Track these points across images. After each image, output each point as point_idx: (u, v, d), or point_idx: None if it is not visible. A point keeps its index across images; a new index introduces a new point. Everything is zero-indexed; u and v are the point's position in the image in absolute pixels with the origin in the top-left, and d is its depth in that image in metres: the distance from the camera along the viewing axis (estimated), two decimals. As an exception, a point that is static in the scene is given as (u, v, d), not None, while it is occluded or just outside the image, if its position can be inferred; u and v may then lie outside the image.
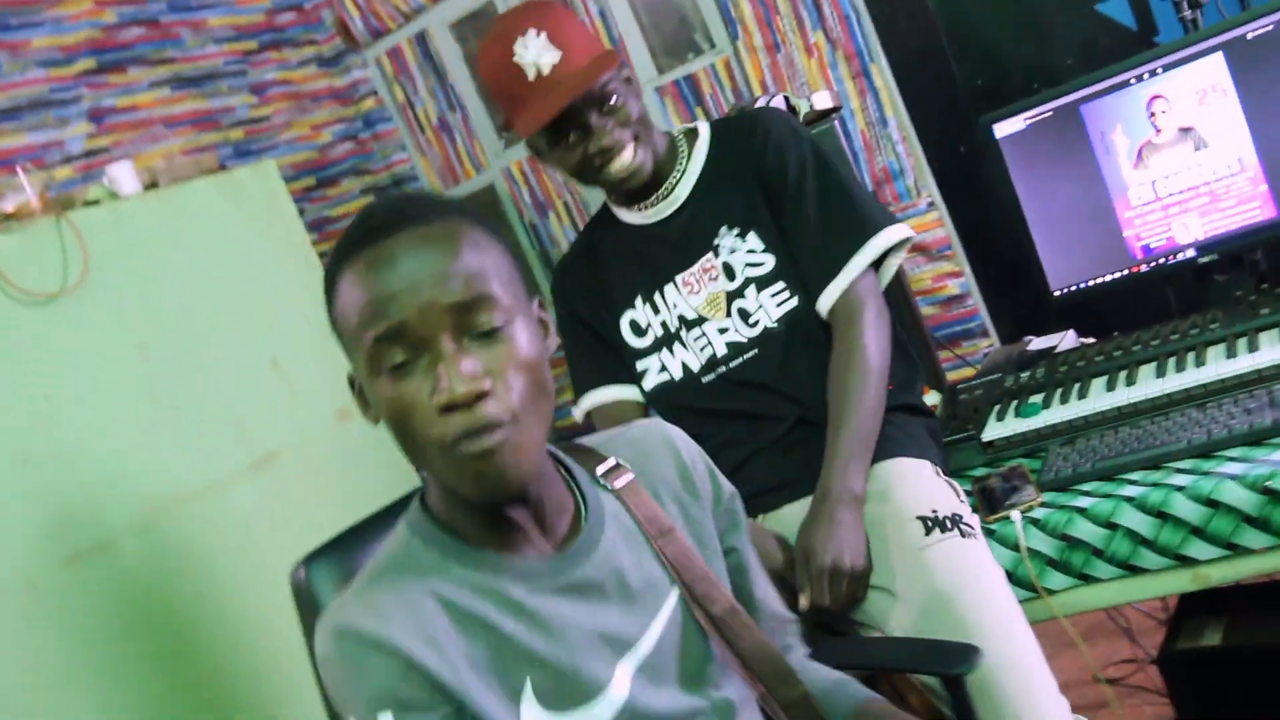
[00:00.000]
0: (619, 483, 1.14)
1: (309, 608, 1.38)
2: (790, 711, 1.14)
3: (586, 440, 1.20)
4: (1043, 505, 1.60)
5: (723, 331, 1.78)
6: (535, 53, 1.64)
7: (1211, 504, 1.46)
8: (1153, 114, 1.89)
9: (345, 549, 1.42)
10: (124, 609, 2.45)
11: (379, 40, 3.66)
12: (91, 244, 2.53)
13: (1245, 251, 1.93)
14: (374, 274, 0.96)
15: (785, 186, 1.75)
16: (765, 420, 1.76)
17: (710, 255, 1.79)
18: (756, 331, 1.76)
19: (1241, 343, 1.71)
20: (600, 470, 1.15)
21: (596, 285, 1.88)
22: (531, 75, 1.65)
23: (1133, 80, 1.89)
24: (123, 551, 2.46)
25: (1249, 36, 1.79)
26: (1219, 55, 1.82)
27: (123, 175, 2.73)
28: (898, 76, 3.00)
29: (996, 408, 1.88)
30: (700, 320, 1.80)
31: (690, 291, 1.80)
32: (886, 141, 3.05)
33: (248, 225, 2.89)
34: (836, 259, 1.72)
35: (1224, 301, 1.87)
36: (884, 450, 1.68)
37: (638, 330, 1.85)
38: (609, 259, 1.87)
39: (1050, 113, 1.94)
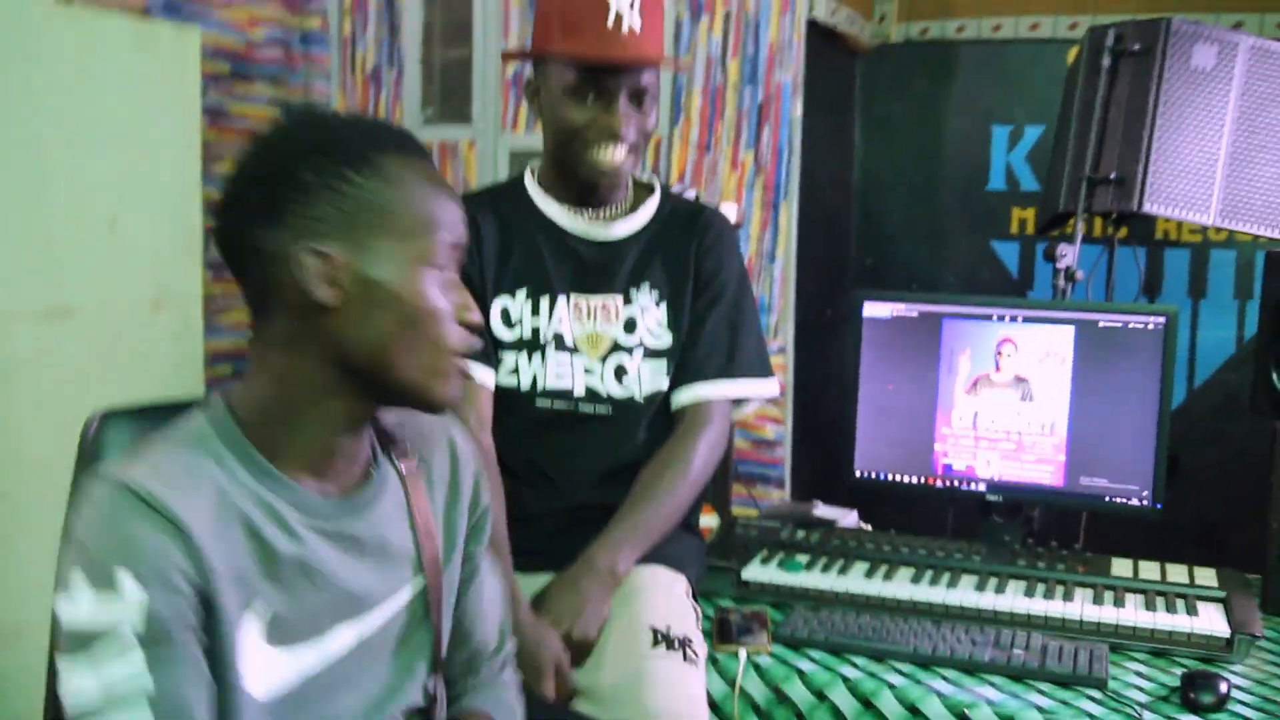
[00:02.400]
0: (404, 466, 1.18)
1: (92, 466, 1.26)
2: None
3: (386, 418, 1.22)
4: (770, 655, 1.68)
5: (589, 372, 1.76)
6: (624, 7, 1.64)
7: (913, 710, 1.55)
8: (999, 353, 2.03)
9: (152, 419, 1.22)
10: None
11: (350, -30, 3.62)
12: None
13: (1026, 505, 2.09)
14: (447, 191, 1.10)
15: (710, 286, 1.78)
16: (564, 490, 1.75)
17: (620, 299, 1.78)
18: (622, 394, 1.76)
19: (992, 581, 1.85)
20: (397, 451, 1.19)
21: (489, 251, 1.78)
22: (610, 20, 1.63)
23: (995, 317, 2.03)
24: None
25: (1100, 324, 1.96)
26: (1071, 329, 1.98)
27: (43, -22, 2.62)
28: (801, 223, 3.13)
29: (764, 551, 1.96)
30: (573, 350, 1.77)
31: (578, 317, 1.77)
32: (767, 275, 3.17)
33: (147, 81, 2.80)
34: (713, 369, 1.77)
35: (992, 540, 2.01)
36: (648, 556, 1.70)
37: (507, 320, 1.77)
38: (513, 237, 1.79)
39: (916, 313, 2.07)
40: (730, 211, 2.43)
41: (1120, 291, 2.80)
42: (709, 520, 2.13)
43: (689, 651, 1.59)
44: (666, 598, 1.67)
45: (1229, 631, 1.67)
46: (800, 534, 2.03)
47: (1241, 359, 2.99)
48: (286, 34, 3.62)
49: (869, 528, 2.21)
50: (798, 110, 3.09)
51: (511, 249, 1.78)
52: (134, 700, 0.93)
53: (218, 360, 3.36)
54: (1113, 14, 3.05)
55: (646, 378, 1.77)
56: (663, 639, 1.57)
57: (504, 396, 1.77)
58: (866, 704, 1.58)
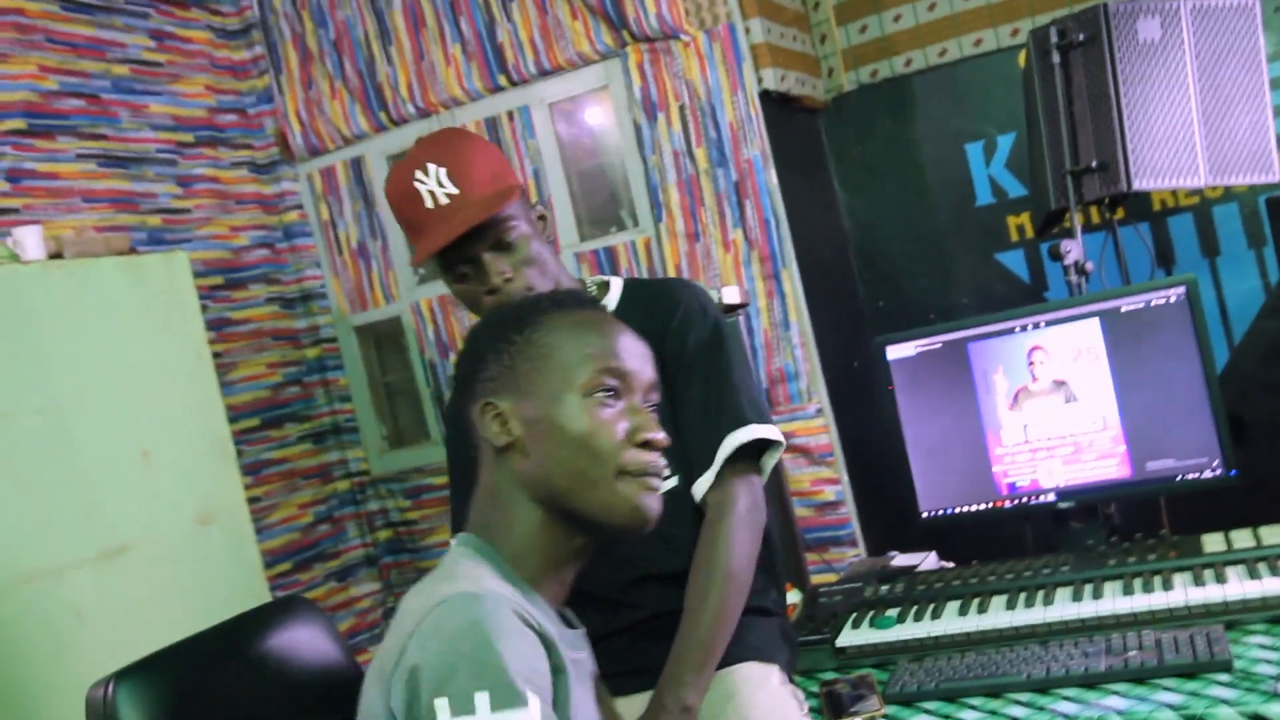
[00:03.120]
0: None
1: None
2: None
3: None
4: (885, 717, 1.64)
5: None
6: (433, 184, 1.65)
7: (1042, 739, 1.52)
8: (1032, 363, 2.03)
9: (164, 670, 1.24)
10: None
11: (314, 158, 3.72)
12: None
13: (1100, 503, 2.06)
14: (603, 326, 1.24)
15: (680, 362, 1.70)
16: (622, 606, 1.69)
17: None
18: None
19: (1088, 589, 1.80)
20: None
21: None
22: (429, 204, 1.65)
23: (1017, 329, 2.03)
24: (-60, 622, 2.34)
25: (1123, 309, 1.96)
26: (1096, 320, 1.97)
27: (29, 239, 2.71)
28: (806, 285, 3.15)
29: (854, 615, 1.93)
30: None
31: None
32: (786, 344, 3.18)
33: (147, 312, 2.87)
34: (710, 447, 1.67)
35: (1076, 547, 1.98)
36: (734, 654, 1.63)
37: None
38: None
39: (940, 344, 2.07)
40: (733, 294, 2.45)
41: (1135, 271, 2.80)
42: (792, 597, 2.11)
43: None
44: (764, 694, 1.62)
45: (1340, 581, 1.63)
46: (884, 588, 2.00)
47: (1274, 305, 2.97)
48: (268, 234, 3.73)
49: (951, 565, 2.17)
50: (773, 179, 3.14)
51: None
52: None
53: (276, 560, 3.38)
54: (1050, 11, 3.12)
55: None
56: None
57: None
58: (995, 744, 1.54)
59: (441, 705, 0.95)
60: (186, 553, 2.78)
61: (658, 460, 1.19)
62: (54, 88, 3.21)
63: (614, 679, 1.66)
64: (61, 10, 3.24)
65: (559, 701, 1.06)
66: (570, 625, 1.21)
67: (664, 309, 1.74)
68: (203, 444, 2.94)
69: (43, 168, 3.15)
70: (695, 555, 1.64)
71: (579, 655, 1.16)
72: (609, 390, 1.18)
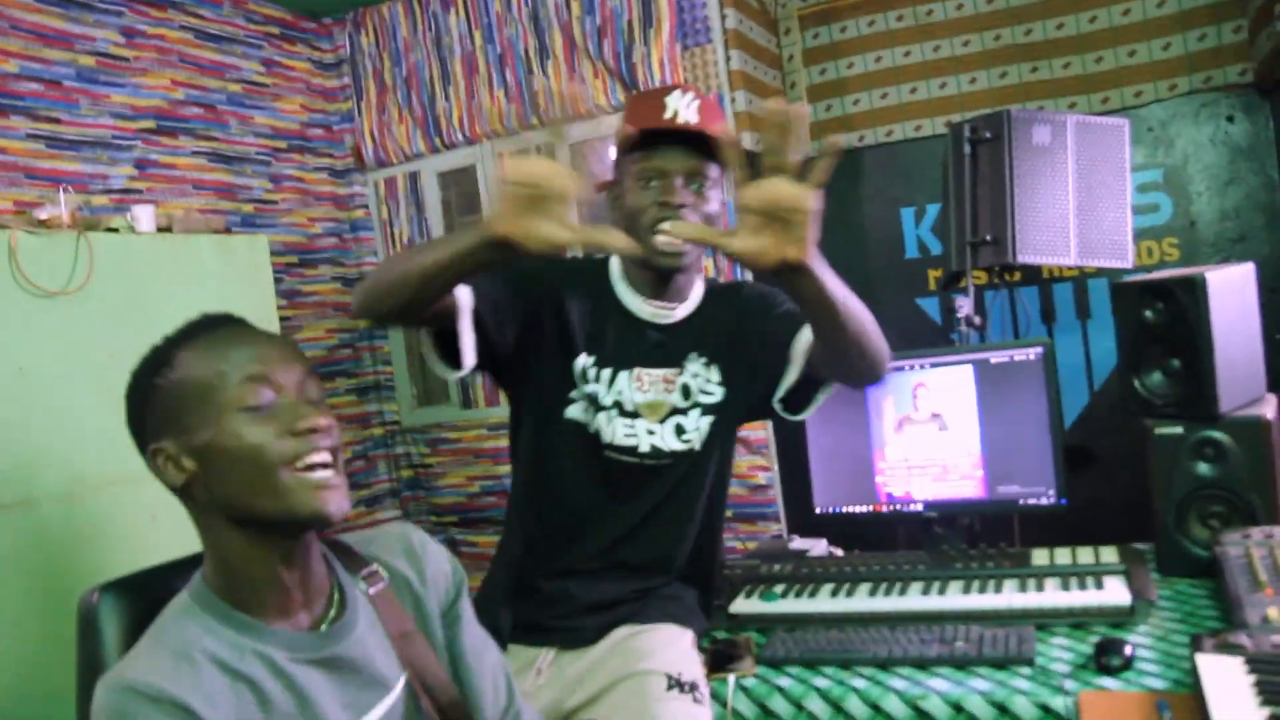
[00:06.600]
0: (374, 589, 1.11)
1: (91, 636, 1.11)
2: None
3: (346, 539, 1.16)
4: (755, 676, 1.61)
5: (651, 433, 1.62)
6: (683, 105, 1.48)
7: (875, 708, 1.48)
8: (915, 396, 1.98)
9: (143, 587, 1.16)
10: (29, 561, 2.30)
11: (381, 169, 3.68)
12: (99, 261, 2.48)
13: (959, 516, 2.01)
14: (234, 341, 1.00)
15: (786, 317, 1.59)
16: (591, 544, 1.63)
17: (676, 371, 1.62)
18: (682, 447, 1.63)
19: (936, 585, 1.77)
20: (363, 572, 1.11)
21: (576, 311, 1.62)
22: (669, 114, 1.47)
23: (906, 367, 1.98)
24: (41, 511, 2.33)
25: (991, 360, 1.91)
26: (970, 367, 1.93)
27: (144, 215, 2.69)
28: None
29: (748, 586, 1.90)
30: (635, 414, 1.61)
31: (639, 388, 1.61)
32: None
33: (232, 281, 2.85)
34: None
35: (935, 549, 1.94)
36: (659, 615, 1.63)
37: (584, 376, 1.61)
38: (594, 309, 1.63)
39: (844, 375, 2.02)
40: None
41: (1022, 325, 2.74)
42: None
43: (697, 694, 1.51)
44: (676, 651, 1.58)
45: (1130, 599, 1.59)
46: (777, 567, 1.96)
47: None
48: (338, 226, 3.70)
49: (839, 551, 2.14)
50: (741, 222, 3.09)
51: (591, 318, 1.62)
52: None
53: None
54: (975, 109, 3.06)
55: (704, 428, 1.63)
56: (676, 684, 1.49)
57: (574, 432, 1.62)
58: (837, 708, 1.50)
59: None
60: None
61: (316, 442, 0.97)
62: (180, 97, 3.18)
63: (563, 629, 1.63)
64: (194, 38, 3.22)
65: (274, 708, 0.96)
66: (326, 624, 1.06)
67: (746, 299, 1.66)
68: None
69: (164, 159, 3.13)
70: None
71: (320, 654, 1.02)
72: (257, 404, 0.98)
